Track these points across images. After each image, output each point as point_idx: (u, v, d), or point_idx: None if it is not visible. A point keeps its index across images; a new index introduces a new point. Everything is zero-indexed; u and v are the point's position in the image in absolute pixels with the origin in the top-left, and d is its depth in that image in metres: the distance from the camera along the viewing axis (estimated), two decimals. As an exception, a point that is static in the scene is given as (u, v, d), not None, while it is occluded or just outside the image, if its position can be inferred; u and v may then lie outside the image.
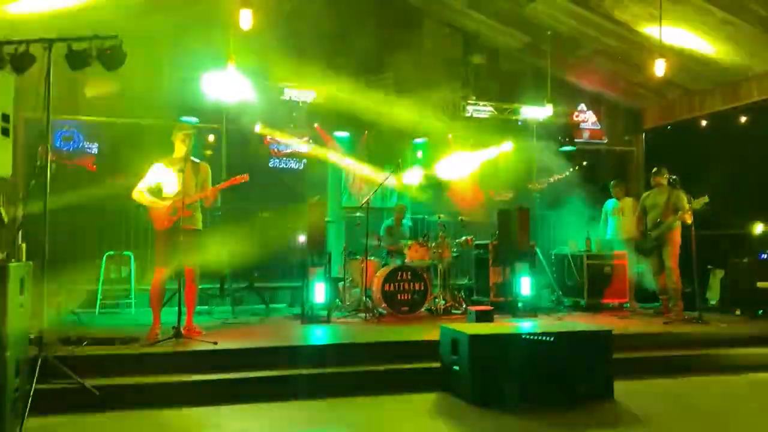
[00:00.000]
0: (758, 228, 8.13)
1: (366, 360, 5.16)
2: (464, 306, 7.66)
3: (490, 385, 4.48)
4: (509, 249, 7.56)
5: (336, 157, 9.20)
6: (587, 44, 9.13)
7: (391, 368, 5.05)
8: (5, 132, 3.98)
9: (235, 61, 7.81)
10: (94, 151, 8.72)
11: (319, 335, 5.94)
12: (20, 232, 7.16)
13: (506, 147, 9.55)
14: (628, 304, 8.24)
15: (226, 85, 7.93)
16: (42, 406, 3.90)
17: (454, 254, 7.93)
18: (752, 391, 5.19)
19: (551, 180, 10.07)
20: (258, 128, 8.71)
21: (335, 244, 8.22)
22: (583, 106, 10.24)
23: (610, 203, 8.69)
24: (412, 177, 9.51)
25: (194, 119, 7.85)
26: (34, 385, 3.83)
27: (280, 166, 9.33)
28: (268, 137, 9.16)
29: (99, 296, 7.51)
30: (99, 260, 7.71)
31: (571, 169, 10.01)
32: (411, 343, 5.60)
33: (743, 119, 9.04)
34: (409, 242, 7.67)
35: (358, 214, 7.80)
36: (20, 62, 5.48)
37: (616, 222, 8.51)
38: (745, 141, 8.82)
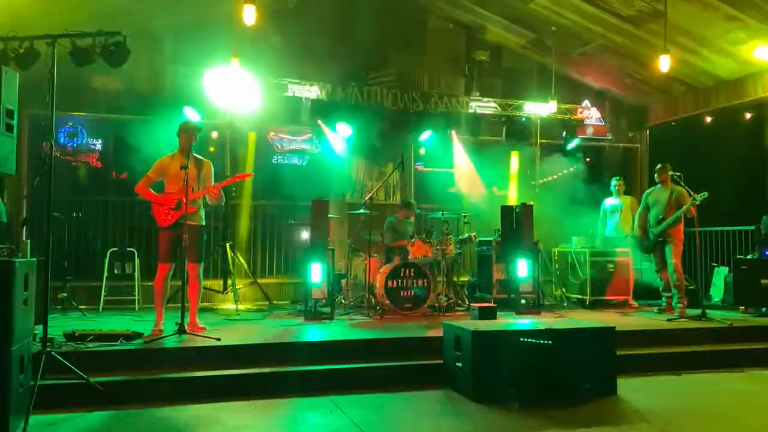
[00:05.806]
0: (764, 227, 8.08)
1: (368, 356, 5.16)
2: (467, 303, 7.66)
3: (492, 381, 4.49)
4: (513, 246, 7.55)
5: (339, 153, 9.18)
6: (592, 40, 9.10)
7: (394, 365, 5.05)
8: (10, 128, 3.97)
9: (238, 57, 7.81)
10: (98, 147, 8.73)
11: (321, 332, 5.94)
12: (24, 229, 7.19)
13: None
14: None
15: (230, 82, 7.93)
16: (46, 401, 3.93)
17: (457, 251, 7.92)
18: (756, 388, 5.17)
19: (555, 176, 10.04)
20: (261, 125, 8.72)
21: (338, 241, 8.21)
22: (587, 103, 10.20)
23: (609, 201, 8.66)
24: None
25: (198, 116, 7.85)
26: (38, 380, 3.84)
27: (284, 163, 9.32)
28: (272, 133, 9.17)
29: (103, 292, 7.54)
30: (103, 256, 7.74)
31: (575, 166, 9.98)
32: (414, 339, 5.60)
33: (748, 116, 9.00)
34: (413, 239, 7.65)
35: (361, 210, 7.80)
36: (24, 58, 5.49)
37: (614, 220, 8.49)
38: (749, 138, 8.79)
